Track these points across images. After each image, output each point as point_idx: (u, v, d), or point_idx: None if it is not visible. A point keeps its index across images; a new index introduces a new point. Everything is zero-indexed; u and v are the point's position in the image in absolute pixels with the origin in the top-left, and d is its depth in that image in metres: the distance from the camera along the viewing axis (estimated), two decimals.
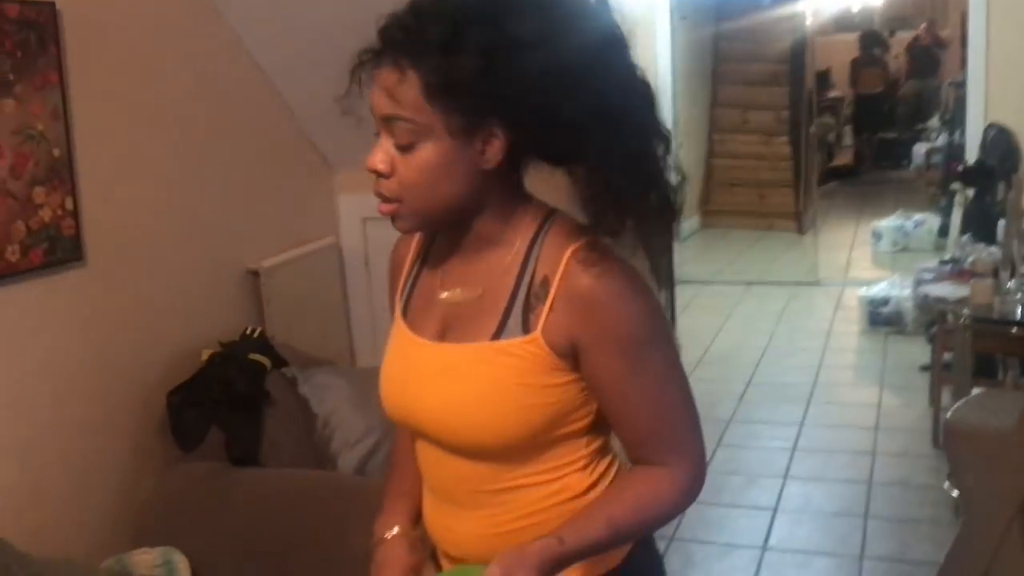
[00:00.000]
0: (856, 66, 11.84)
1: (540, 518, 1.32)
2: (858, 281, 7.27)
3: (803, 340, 6.00)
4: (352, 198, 3.86)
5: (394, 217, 1.28)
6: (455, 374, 1.29)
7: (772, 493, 3.93)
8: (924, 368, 5.13)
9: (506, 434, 1.27)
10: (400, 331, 1.40)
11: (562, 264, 1.25)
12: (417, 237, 1.44)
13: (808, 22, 8.90)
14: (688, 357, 5.61)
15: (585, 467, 1.34)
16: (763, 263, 8.14)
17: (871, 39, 11.88)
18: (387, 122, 1.23)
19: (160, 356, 2.91)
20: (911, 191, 10.13)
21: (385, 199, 1.27)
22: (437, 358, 1.32)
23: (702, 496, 1.34)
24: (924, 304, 4.10)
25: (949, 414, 2.92)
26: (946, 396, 4.29)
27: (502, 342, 1.26)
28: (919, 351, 5.30)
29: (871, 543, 3.50)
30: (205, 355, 3.00)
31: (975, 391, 3.62)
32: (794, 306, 6.87)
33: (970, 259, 3.95)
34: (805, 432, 4.55)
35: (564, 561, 1.24)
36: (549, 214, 1.32)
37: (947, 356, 4.27)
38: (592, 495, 1.33)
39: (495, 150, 1.23)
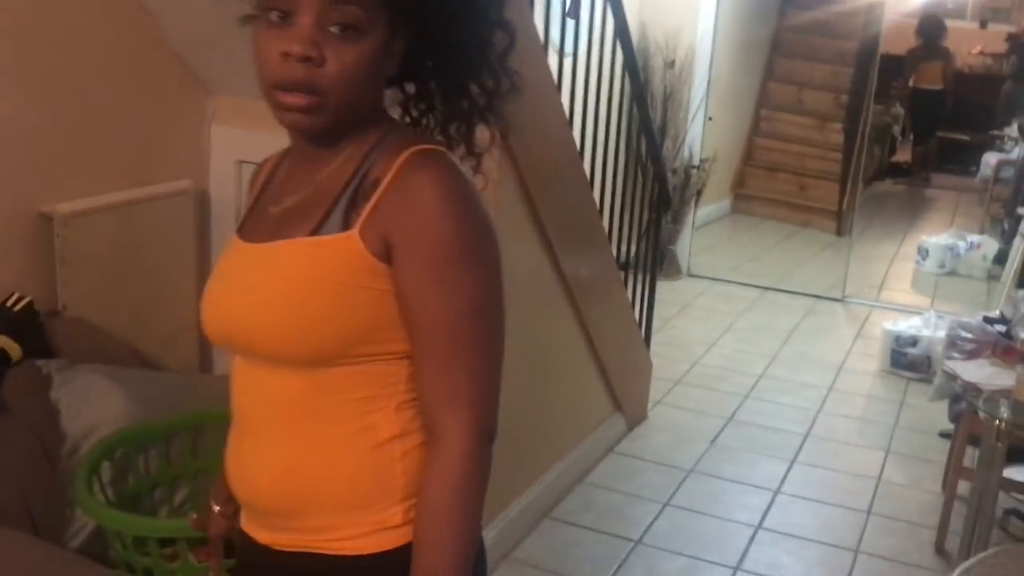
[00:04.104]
0: (914, 57, 10.41)
1: (338, 459, 1.24)
2: (890, 304, 6.30)
3: (808, 373, 5.02)
4: (228, 132, 2.98)
5: (312, 110, 1.17)
6: (269, 270, 1.23)
7: None
8: (944, 435, 4.19)
9: (315, 334, 1.19)
10: (229, 244, 1.33)
11: (396, 165, 1.19)
12: (272, 161, 1.41)
13: None
14: (668, 372, 4.70)
15: (397, 408, 1.25)
16: (787, 265, 7.15)
17: (932, 26, 10.35)
18: (335, 3, 1.14)
19: None
20: (974, 204, 9.03)
21: (308, 90, 1.16)
22: (254, 258, 1.25)
23: None
24: (949, 382, 3.13)
25: None
26: (963, 487, 3.38)
27: (318, 237, 1.20)
28: (943, 412, 4.32)
29: None
30: None
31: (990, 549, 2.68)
32: (809, 324, 5.89)
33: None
34: (778, 503, 3.63)
35: None
36: (394, 127, 1.28)
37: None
38: (395, 447, 1.24)
39: (396, 59, 1.23)
